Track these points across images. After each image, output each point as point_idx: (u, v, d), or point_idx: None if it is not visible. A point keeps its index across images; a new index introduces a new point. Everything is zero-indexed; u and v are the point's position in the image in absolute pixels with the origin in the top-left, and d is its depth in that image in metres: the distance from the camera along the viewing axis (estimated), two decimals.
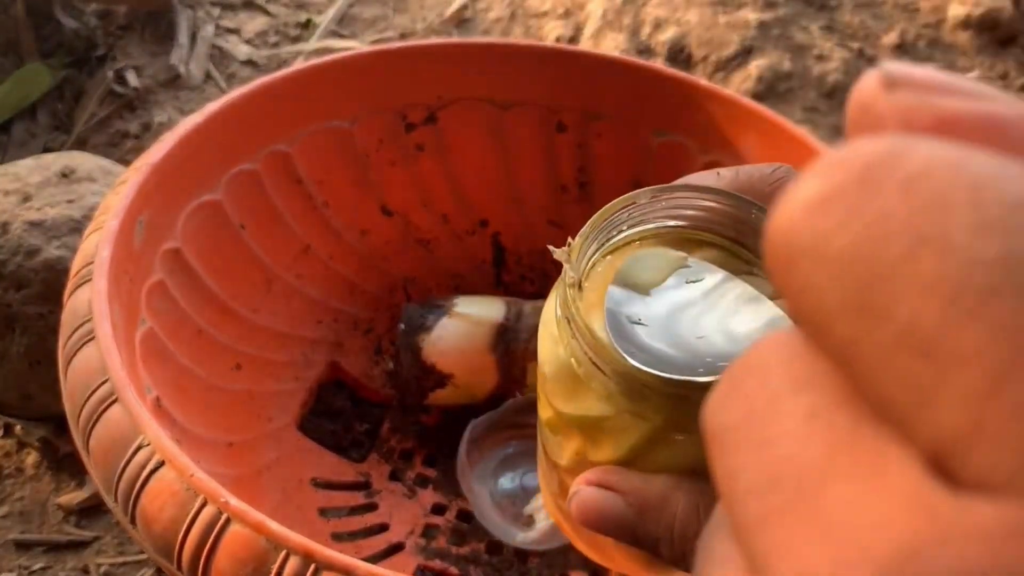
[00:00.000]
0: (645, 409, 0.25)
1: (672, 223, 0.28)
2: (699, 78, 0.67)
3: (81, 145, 0.88)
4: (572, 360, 0.27)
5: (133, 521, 0.41)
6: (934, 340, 0.11)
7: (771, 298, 0.27)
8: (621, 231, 0.29)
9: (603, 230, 0.28)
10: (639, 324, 0.26)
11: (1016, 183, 0.11)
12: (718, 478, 0.14)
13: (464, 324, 0.61)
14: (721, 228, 0.28)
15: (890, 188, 0.12)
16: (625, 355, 0.25)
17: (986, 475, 0.10)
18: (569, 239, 0.28)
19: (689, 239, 0.28)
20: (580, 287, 0.27)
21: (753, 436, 0.13)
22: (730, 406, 0.14)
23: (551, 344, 0.28)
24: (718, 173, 0.29)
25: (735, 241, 0.28)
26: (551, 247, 0.28)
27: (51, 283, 0.62)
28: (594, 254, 0.28)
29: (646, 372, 0.24)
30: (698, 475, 0.26)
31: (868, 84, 0.14)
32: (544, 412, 0.30)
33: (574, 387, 0.27)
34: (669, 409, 0.25)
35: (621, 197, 0.28)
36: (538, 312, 0.62)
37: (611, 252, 0.29)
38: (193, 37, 0.96)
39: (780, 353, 0.13)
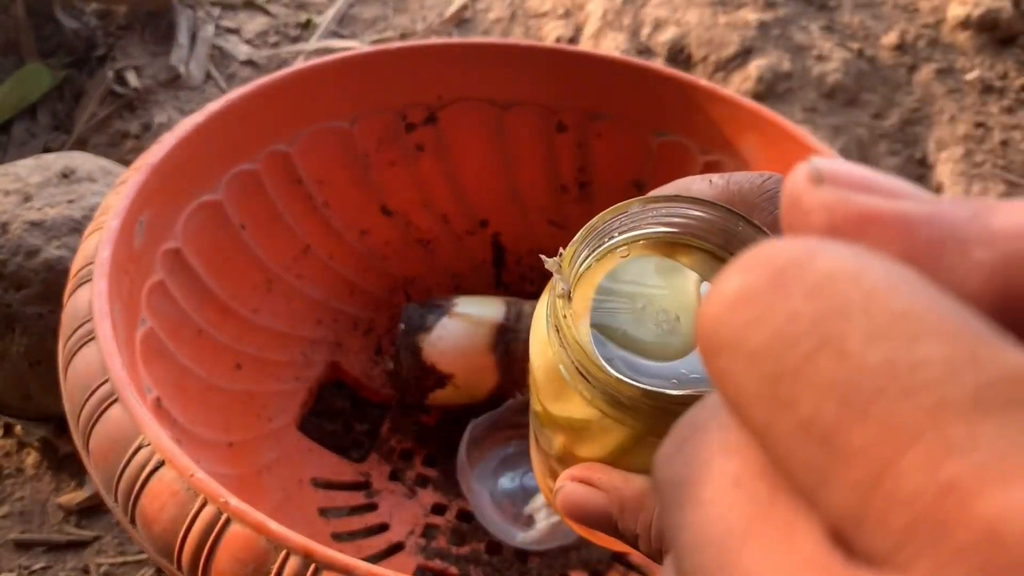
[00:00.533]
0: (626, 416, 0.27)
1: (662, 229, 0.29)
2: (699, 78, 0.67)
3: (81, 145, 0.88)
4: (560, 365, 0.28)
5: (133, 521, 0.41)
6: (831, 434, 0.13)
7: None
8: (612, 237, 0.29)
9: (594, 238, 0.29)
10: (621, 328, 0.28)
11: (904, 294, 0.13)
12: (665, 529, 0.16)
13: (464, 324, 0.61)
14: (709, 236, 0.29)
15: (797, 292, 0.14)
16: (608, 368, 0.26)
17: (872, 550, 0.12)
18: (561, 249, 0.29)
19: (678, 244, 0.29)
20: (569, 298, 0.28)
21: (691, 495, 0.15)
22: (675, 462, 0.16)
23: (541, 346, 0.29)
24: (710, 181, 0.30)
25: (723, 248, 0.29)
26: (543, 256, 0.28)
27: (51, 283, 0.62)
28: (585, 261, 0.29)
29: (627, 384, 0.26)
30: None
31: (797, 178, 0.16)
32: (535, 405, 0.31)
33: (561, 389, 0.28)
34: (648, 417, 0.26)
35: (613, 206, 0.29)
36: None
37: (600, 257, 0.29)
38: (193, 37, 0.96)
39: (719, 417, 0.16)
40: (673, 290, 0.29)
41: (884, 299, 0.13)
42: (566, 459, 0.30)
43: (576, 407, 0.28)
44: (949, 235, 0.15)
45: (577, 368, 0.27)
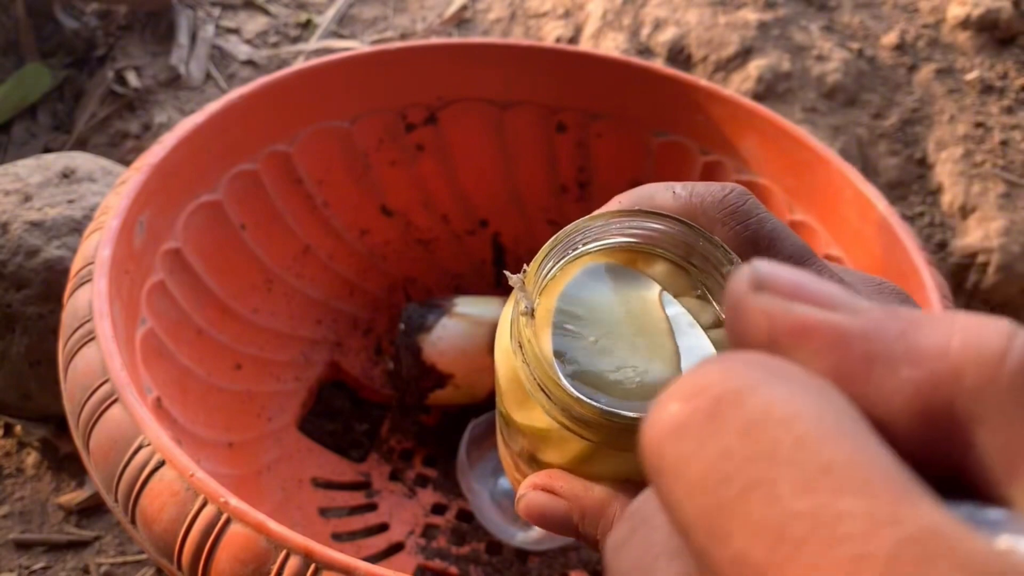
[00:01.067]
0: (583, 431, 0.28)
1: (624, 240, 0.30)
2: (699, 78, 0.67)
3: (81, 145, 0.88)
4: (522, 376, 0.28)
5: (133, 521, 0.41)
6: (760, 571, 0.14)
7: (709, 326, 0.29)
8: (576, 249, 0.30)
9: (558, 252, 0.29)
10: (581, 340, 0.28)
11: (832, 443, 0.14)
12: None
13: (464, 324, 0.61)
14: (671, 248, 0.30)
15: (732, 430, 0.15)
16: (568, 386, 0.27)
17: None
18: (524, 265, 0.29)
19: (640, 253, 0.30)
20: (532, 315, 0.28)
21: None
22: (624, 555, 0.18)
23: (504, 354, 0.30)
24: (674, 192, 0.31)
25: (684, 259, 0.30)
26: (507, 273, 0.29)
27: (51, 283, 0.62)
28: (549, 273, 0.29)
29: (586, 404, 0.27)
30: (635, 483, 0.29)
31: (740, 283, 0.17)
32: (499, 408, 0.32)
33: (523, 398, 0.29)
34: (605, 433, 0.27)
35: (575, 222, 0.30)
36: None
37: (564, 268, 0.30)
38: (193, 37, 0.96)
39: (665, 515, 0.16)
40: (634, 316, 0.29)
41: (813, 449, 0.14)
42: (529, 459, 0.31)
43: (537, 416, 0.29)
44: (880, 351, 0.16)
45: (538, 383, 0.27)
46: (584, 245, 0.30)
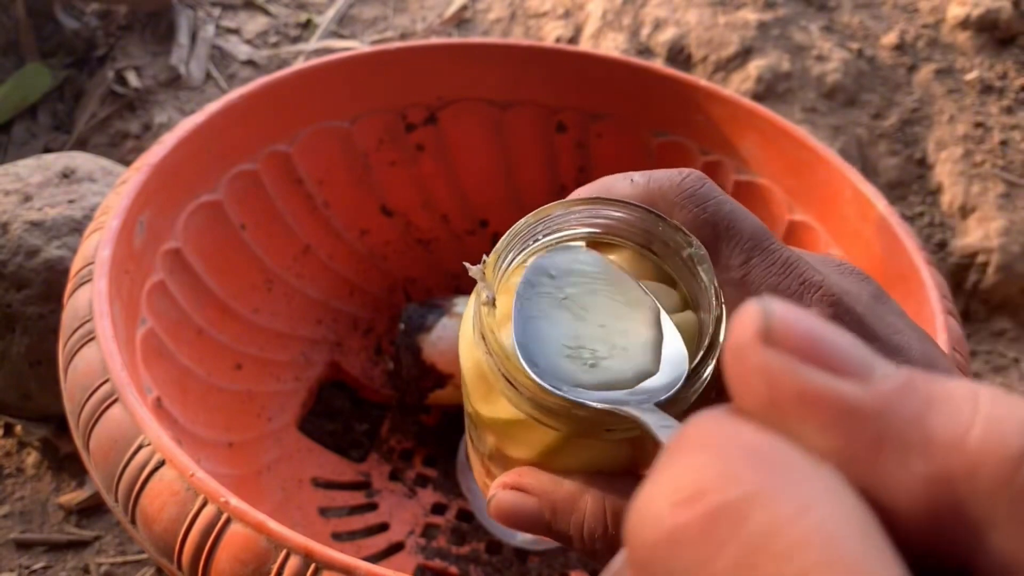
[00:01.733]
0: (551, 420, 0.27)
1: (585, 230, 0.30)
2: (699, 78, 0.67)
3: (82, 145, 0.88)
4: (487, 367, 0.28)
5: (133, 521, 0.41)
6: None
7: (670, 310, 0.29)
8: (536, 239, 0.30)
9: (517, 243, 0.29)
10: (541, 322, 0.28)
11: None
12: None
13: None
14: (632, 235, 0.30)
15: (731, 555, 0.13)
16: (533, 375, 0.26)
17: None
18: (484, 255, 0.29)
19: (601, 242, 0.30)
20: (493, 304, 0.28)
21: None
22: None
23: (468, 348, 0.30)
24: (632, 180, 0.31)
25: (645, 246, 0.30)
26: (466, 264, 0.29)
27: (51, 283, 0.62)
28: (509, 266, 0.29)
29: (552, 393, 0.26)
30: (605, 475, 0.28)
31: (746, 328, 0.15)
32: (466, 406, 0.32)
33: (489, 391, 0.29)
34: (572, 422, 0.27)
35: (535, 211, 0.29)
36: None
37: (524, 261, 0.30)
38: (193, 37, 0.96)
39: None
40: (603, 300, 0.29)
41: None
42: (498, 459, 0.31)
43: (503, 408, 0.28)
44: (892, 435, 0.15)
45: (503, 374, 0.27)
46: (544, 236, 0.30)
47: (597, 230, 0.30)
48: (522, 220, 0.29)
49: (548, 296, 0.28)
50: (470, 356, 0.30)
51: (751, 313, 0.16)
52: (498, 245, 0.29)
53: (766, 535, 0.13)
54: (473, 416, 0.31)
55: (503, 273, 0.29)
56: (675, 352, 0.30)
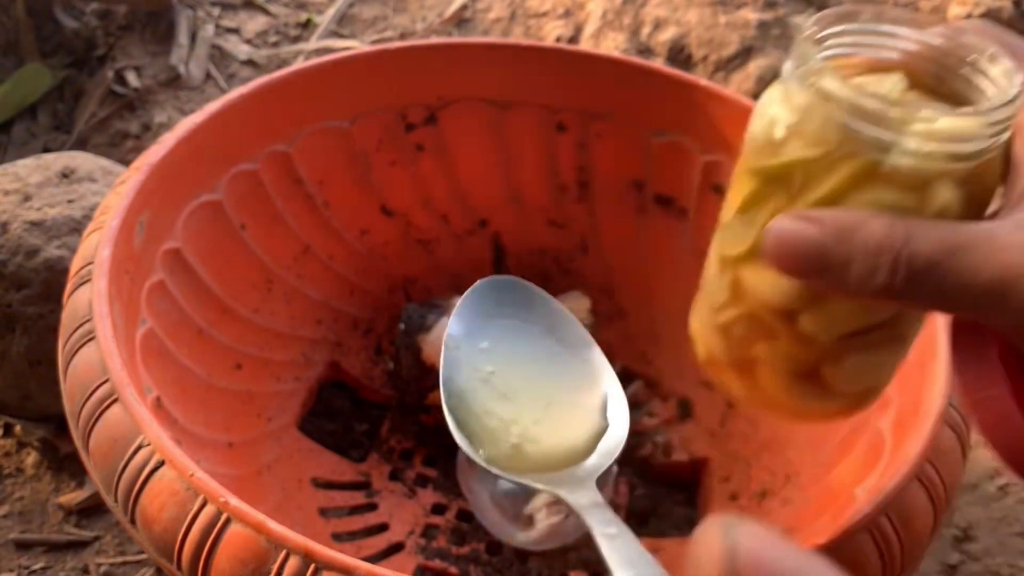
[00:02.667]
0: (859, 145, 0.28)
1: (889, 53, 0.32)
2: (699, 78, 0.67)
3: (81, 145, 0.88)
4: (795, 108, 0.30)
5: (133, 521, 0.41)
6: None
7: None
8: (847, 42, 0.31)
9: (840, 35, 0.31)
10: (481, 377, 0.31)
11: None
12: None
13: None
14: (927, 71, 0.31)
15: None
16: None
17: None
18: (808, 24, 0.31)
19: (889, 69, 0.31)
20: (819, 43, 0.30)
21: None
22: None
23: (765, 111, 0.32)
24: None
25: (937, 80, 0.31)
26: (797, 21, 0.32)
27: (51, 283, 0.62)
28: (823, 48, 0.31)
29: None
30: (900, 211, 0.28)
31: (710, 547, 0.16)
32: (737, 197, 0.32)
33: (783, 141, 0.30)
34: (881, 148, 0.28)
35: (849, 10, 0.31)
36: None
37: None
38: (193, 37, 0.96)
39: None
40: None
41: None
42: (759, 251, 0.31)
43: (800, 150, 0.29)
44: None
45: (822, 94, 0.29)
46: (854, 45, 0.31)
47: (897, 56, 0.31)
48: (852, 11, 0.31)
49: (475, 370, 0.29)
50: (765, 118, 0.31)
51: (712, 531, 0.16)
52: (824, 22, 0.31)
53: None
54: (748, 198, 0.32)
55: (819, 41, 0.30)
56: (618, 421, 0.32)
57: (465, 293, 0.39)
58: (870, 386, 0.35)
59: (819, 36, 0.30)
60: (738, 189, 0.33)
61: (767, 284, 0.32)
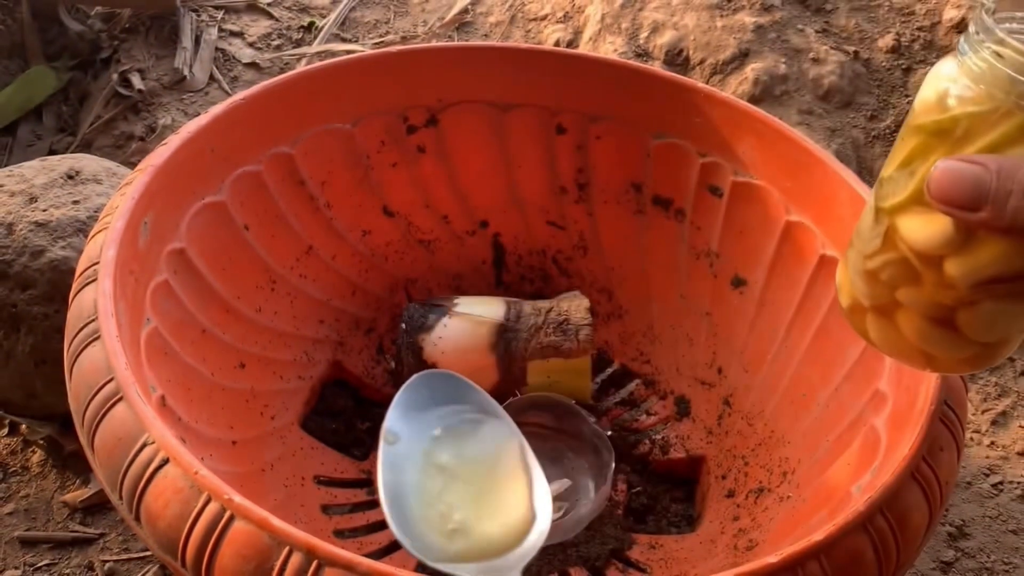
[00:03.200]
0: None
1: None
2: (696, 81, 0.67)
3: (86, 147, 0.88)
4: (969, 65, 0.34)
5: (137, 518, 0.42)
6: None
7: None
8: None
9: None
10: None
11: None
12: None
13: (465, 324, 0.62)
14: None
15: None
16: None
17: None
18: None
19: None
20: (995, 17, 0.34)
21: None
22: None
23: (939, 75, 0.36)
24: None
25: None
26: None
27: (56, 283, 0.63)
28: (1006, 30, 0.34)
29: None
30: None
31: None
32: (900, 153, 0.36)
33: (954, 100, 0.34)
34: None
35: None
36: (538, 312, 0.62)
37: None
38: (197, 40, 0.97)
39: None
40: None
41: None
42: (918, 197, 0.35)
43: (968, 107, 0.33)
44: None
45: (996, 52, 0.33)
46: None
47: None
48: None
49: (429, 456, 0.31)
50: (938, 81, 0.35)
51: None
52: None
53: None
54: (914, 149, 0.35)
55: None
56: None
57: (399, 390, 0.42)
58: (1002, 338, 0.38)
59: (995, 12, 0.34)
60: (902, 146, 0.36)
61: (920, 230, 0.36)
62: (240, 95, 0.60)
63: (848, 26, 0.92)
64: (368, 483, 0.62)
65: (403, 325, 0.62)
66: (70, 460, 0.67)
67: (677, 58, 0.89)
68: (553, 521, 0.57)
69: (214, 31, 0.98)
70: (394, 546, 0.58)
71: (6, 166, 0.70)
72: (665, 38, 0.88)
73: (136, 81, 0.92)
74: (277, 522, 0.39)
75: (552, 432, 0.62)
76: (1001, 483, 0.70)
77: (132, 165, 0.66)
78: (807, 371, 0.60)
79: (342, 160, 0.66)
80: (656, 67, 0.76)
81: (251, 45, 0.98)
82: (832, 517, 0.44)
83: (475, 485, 0.33)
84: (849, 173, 0.59)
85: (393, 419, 0.40)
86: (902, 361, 0.41)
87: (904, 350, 0.40)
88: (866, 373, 0.55)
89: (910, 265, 0.37)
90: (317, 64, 0.65)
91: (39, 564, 0.62)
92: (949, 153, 0.34)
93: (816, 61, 0.88)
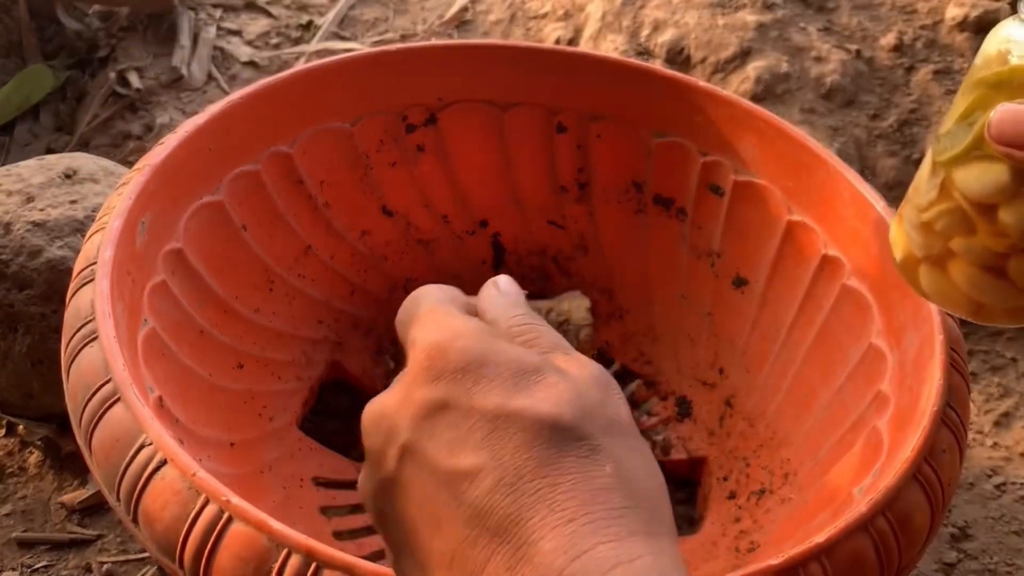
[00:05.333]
0: None
1: None
2: (698, 79, 0.67)
3: (84, 146, 0.88)
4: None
5: (135, 520, 0.42)
6: None
7: None
8: None
9: None
10: None
11: None
12: None
13: None
14: None
15: None
16: None
17: None
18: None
19: None
20: None
21: None
22: None
23: (998, 34, 0.37)
24: None
25: None
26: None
27: (54, 283, 0.63)
28: None
29: None
30: None
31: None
32: (959, 108, 0.38)
33: (1014, 54, 0.36)
34: None
35: None
36: (538, 312, 0.62)
37: None
38: (195, 38, 0.97)
39: None
40: None
41: None
42: (974, 148, 0.37)
43: None
44: None
45: None
46: None
47: None
48: None
49: None
50: (998, 41, 0.37)
51: None
52: None
53: None
54: (975, 102, 0.37)
55: None
56: None
57: None
58: None
59: None
60: (962, 101, 0.38)
61: (976, 179, 0.38)
62: (238, 94, 0.60)
63: (850, 24, 0.92)
64: None
65: None
66: (68, 461, 0.67)
67: (678, 56, 0.88)
68: None
69: (212, 29, 0.98)
70: None
71: (3, 165, 0.70)
72: (666, 36, 0.88)
73: (134, 80, 0.92)
74: (275, 524, 0.38)
75: None
76: (1004, 484, 0.70)
77: (130, 164, 0.66)
78: (809, 372, 0.59)
79: (341, 159, 0.66)
80: (657, 65, 0.75)
81: (249, 43, 0.98)
82: (834, 519, 0.44)
83: None
84: (851, 172, 0.59)
85: None
86: (952, 311, 0.43)
87: (955, 299, 0.41)
88: (868, 374, 0.55)
89: (965, 214, 0.39)
90: (316, 63, 0.64)
91: (36, 565, 0.62)
92: (1010, 100, 0.35)
93: (818, 60, 0.87)
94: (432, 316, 0.30)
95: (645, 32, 0.89)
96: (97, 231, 0.51)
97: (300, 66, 0.64)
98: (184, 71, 0.93)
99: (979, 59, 0.38)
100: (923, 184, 0.41)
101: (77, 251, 0.53)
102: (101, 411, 0.44)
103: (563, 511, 0.24)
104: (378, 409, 0.29)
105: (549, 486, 0.25)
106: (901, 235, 0.43)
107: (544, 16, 0.96)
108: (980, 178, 0.37)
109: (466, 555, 0.25)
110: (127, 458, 0.42)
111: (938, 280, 0.41)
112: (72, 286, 0.50)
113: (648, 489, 0.26)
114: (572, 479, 0.25)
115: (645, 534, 0.24)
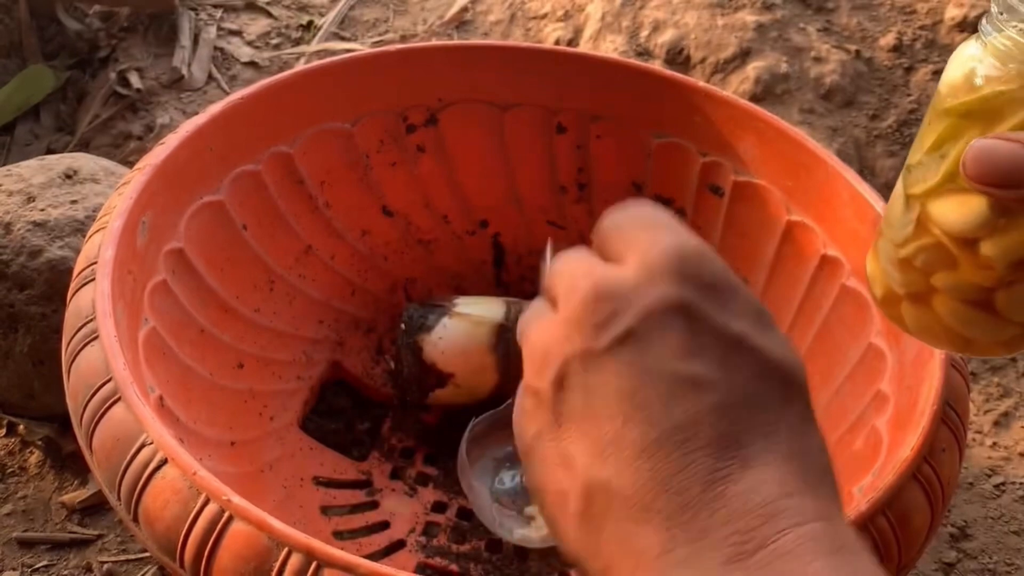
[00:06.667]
0: None
1: None
2: (697, 80, 0.67)
3: (84, 146, 0.88)
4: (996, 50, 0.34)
5: (136, 519, 0.42)
6: None
7: None
8: None
9: None
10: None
11: None
12: None
13: (464, 324, 0.62)
14: None
15: None
16: None
17: None
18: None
19: None
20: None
21: None
22: None
23: (962, 58, 0.36)
24: None
25: None
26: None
27: (54, 283, 0.63)
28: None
29: None
30: None
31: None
32: (929, 138, 0.37)
33: (981, 80, 0.34)
34: None
35: None
36: None
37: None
38: (195, 39, 0.97)
39: None
40: None
41: None
42: (949, 183, 0.35)
43: (998, 87, 0.34)
44: None
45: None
46: None
47: None
48: None
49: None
50: (962, 65, 0.35)
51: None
52: None
53: None
54: (944, 133, 0.36)
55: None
56: None
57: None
58: None
59: None
60: (930, 131, 0.37)
61: (953, 212, 0.36)
62: (239, 94, 0.60)
63: (850, 25, 0.92)
64: (367, 484, 0.61)
65: (402, 325, 0.62)
66: (68, 461, 0.67)
67: (678, 57, 0.89)
68: None
69: (213, 30, 0.98)
70: (393, 547, 0.58)
71: (4, 165, 0.70)
72: (666, 37, 0.88)
73: (134, 80, 0.92)
74: (276, 523, 0.38)
75: None
76: (1003, 484, 0.70)
77: (130, 164, 0.66)
78: (808, 371, 0.59)
79: (341, 159, 0.66)
80: (657, 66, 0.76)
81: (250, 44, 0.98)
82: None
83: None
84: (851, 172, 0.59)
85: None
86: (940, 347, 0.42)
87: (942, 335, 0.40)
88: (867, 374, 0.55)
89: (945, 249, 0.37)
90: (316, 63, 0.64)
91: (37, 565, 0.62)
92: (981, 133, 0.34)
93: (817, 60, 0.87)
94: (677, 229, 0.29)
95: (645, 32, 0.89)
96: (98, 231, 0.51)
97: (300, 66, 0.64)
98: (184, 71, 0.93)
99: (943, 86, 0.37)
100: (897, 218, 0.39)
101: (77, 251, 0.53)
102: (102, 411, 0.44)
103: (777, 452, 0.25)
104: (615, 281, 0.28)
105: (770, 423, 0.26)
106: (878, 271, 0.41)
107: (544, 16, 0.96)
108: (958, 211, 0.36)
109: (665, 452, 0.25)
110: (128, 457, 0.42)
111: (923, 317, 0.40)
112: (73, 286, 0.50)
113: (830, 474, 0.27)
114: (790, 426, 0.26)
115: (837, 505, 0.26)
